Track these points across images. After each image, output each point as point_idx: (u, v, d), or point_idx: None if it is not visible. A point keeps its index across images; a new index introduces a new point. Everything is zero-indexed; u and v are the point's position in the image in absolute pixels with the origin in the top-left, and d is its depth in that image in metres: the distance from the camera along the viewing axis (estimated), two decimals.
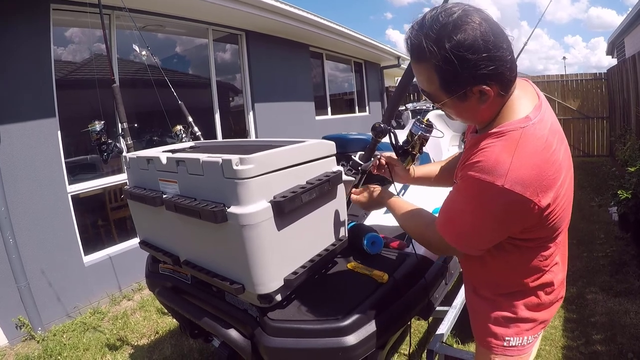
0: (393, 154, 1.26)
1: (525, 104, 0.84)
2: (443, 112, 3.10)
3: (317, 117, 6.59)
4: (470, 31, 0.73)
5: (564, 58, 58.41)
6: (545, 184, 0.77)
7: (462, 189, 0.84)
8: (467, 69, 0.74)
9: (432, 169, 1.31)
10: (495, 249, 0.90)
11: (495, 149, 0.79)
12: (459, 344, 2.17)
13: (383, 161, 1.27)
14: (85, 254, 3.20)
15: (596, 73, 8.02)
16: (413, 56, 0.82)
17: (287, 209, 1.00)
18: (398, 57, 9.06)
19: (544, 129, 0.81)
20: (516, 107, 0.83)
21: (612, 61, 10.66)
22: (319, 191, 1.11)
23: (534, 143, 0.78)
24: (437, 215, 0.96)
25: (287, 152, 1.09)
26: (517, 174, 0.75)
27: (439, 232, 0.90)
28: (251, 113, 5.16)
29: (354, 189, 1.26)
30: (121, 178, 3.53)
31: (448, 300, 1.83)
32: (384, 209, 1.68)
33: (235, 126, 5.19)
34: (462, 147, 2.92)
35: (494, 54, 0.74)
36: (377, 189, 1.20)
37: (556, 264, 0.94)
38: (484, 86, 0.77)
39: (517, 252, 0.90)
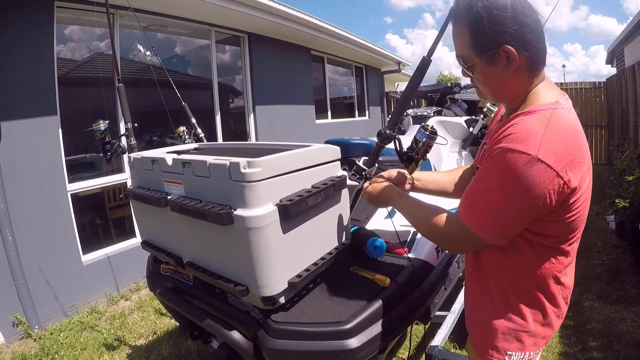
0: (390, 171, 1.24)
1: (553, 93, 0.88)
2: (444, 119, 3.07)
3: (318, 121, 6.61)
4: None
5: (564, 66, 58.62)
6: (574, 164, 0.78)
7: (491, 165, 0.82)
8: (494, 24, 0.81)
9: (435, 177, 1.29)
10: (509, 246, 0.89)
11: (527, 123, 0.81)
12: (456, 348, 2.18)
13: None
14: (83, 253, 3.19)
15: (595, 82, 8.07)
16: (452, 18, 0.91)
17: (293, 213, 1.01)
18: (399, 63, 9.11)
19: (573, 116, 0.85)
20: (544, 94, 0.87)
21: (611, 70, 10.73)
22: (324, 195, 1.12)
23: (564, 123, 0.81)
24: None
25: (294, 156, 1.09)
26: (550, 146, 0.76)
27: (460, 219, 0.87)
28: (252, 115, 5.17)
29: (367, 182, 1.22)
30: (121, 178, 3.54)
31: (447, 306, 1.84)
32: (386, 213, 1.68)
33: (236, 128, 5.19)
34: (462, 153, 2.93)
35: (520, 18, 0.81)
36: (385, 183, 1.17)
37: (566, 275, 0.93)
38: (510, 47, 0.82)
39: (532, 251, 0.89)
